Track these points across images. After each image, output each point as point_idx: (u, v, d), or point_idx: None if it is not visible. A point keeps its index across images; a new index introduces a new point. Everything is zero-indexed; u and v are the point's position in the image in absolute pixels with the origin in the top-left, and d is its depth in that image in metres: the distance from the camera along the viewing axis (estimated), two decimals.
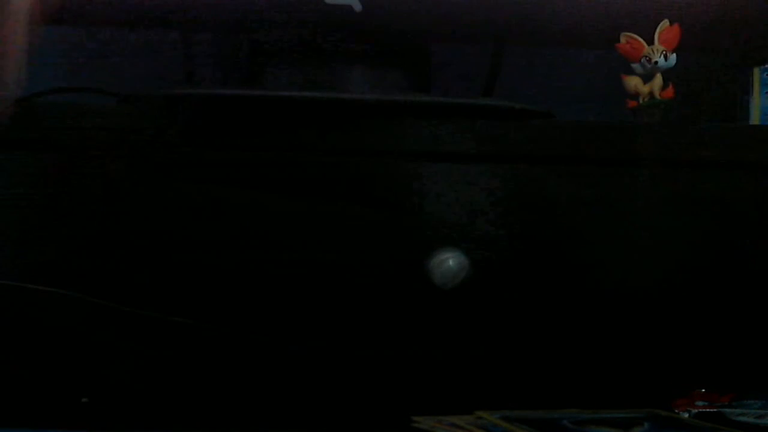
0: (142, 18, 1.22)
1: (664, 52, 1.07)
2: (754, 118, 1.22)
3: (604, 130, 1.01)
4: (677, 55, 1.08)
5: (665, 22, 1.08)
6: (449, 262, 0.96)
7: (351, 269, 0.97)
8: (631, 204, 1.01)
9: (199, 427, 0.92)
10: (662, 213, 1.01)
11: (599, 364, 0.98)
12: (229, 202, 0.96)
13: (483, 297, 0.97)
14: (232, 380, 0.93)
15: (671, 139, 1.01)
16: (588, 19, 1.21)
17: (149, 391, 0.92)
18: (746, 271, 1.01)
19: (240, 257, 0.95)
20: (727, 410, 0.91)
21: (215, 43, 1.33)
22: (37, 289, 0.91)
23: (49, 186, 0.94)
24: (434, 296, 0.96)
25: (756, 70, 1.22)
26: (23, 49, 0.33)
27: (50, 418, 0.89)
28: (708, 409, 0.92)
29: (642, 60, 1.07)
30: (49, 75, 1.13)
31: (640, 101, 1.07)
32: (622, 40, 1.09)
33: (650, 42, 1.07)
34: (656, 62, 1.06)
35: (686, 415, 0.91)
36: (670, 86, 1.07)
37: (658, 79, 1.07)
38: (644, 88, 1.07)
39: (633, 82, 1.08)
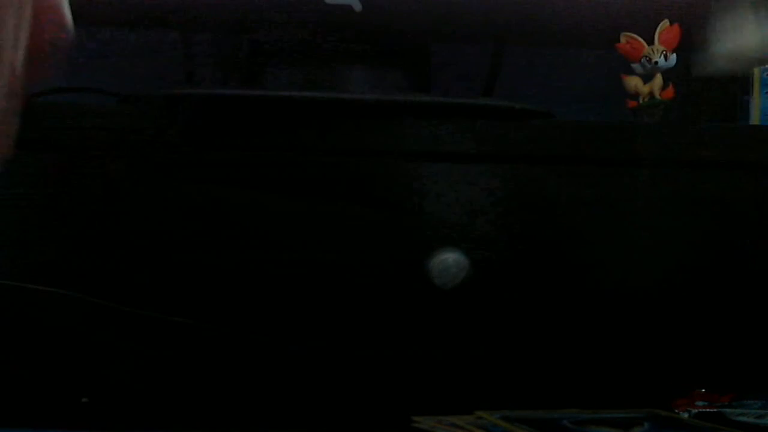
0: (142, 18, 1.22)
1: (664, 52, 1.07)
2: (754, 118, 1.22)
3: (604, 130, 1.01)
4: (677, 55, 1.08)
5: (665, 22, 1.08)
6: (449, 262, 0.96)
7: (351, 269, 0.96)
8: (631, 204, 1.00)
9: (199, 427, 0.92)
10: (662, 213, 1.01)
11: (599, 364, 0.98)
12: (229, 202, 0.96)
13: (483, 297, 0.97)
14: (232, 380, 0.93)
15: (671, 139, 1.01)
16: (588, 19, 1.21)
17: (149, 391, 0.92)
18: (746, 271, 1.01)
19: (240, 257, 0.95)
20: (727, 410, 0.91)
21: (215, 43, 1.33)
22: (37, 289, 0.91)
23: (49, 186, 0.94)
24: (434, 296, 0.96)
25: (756, 70, 1.22)
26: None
27: (50, 418, 0.89)
28: (708, 409, 0.92)
29: (642, 60, 1.07)
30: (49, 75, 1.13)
31: (640, 101, 1.07)
32: (622, 40, 1.09)
33: (650, 42, 1.07)
34: (656, 62, 1.06)
35: (686, 415, 0.91)
36: (670, 86, 1.07)
37: (658, 79, 1.07)
38: (644, 88, 1.07)
39: (633, 82, 1.08)
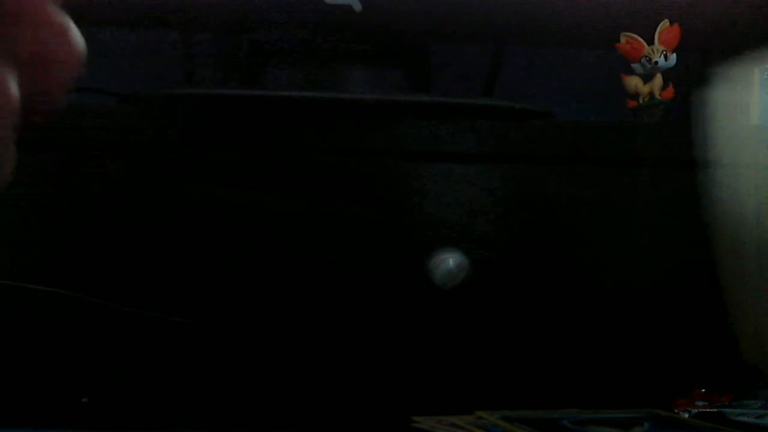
0: (142, 18, 1.22)
1: (664, 52, 1.07)
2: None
3: (604, 130, 1.01)
4: (677, 55, 1.08)
5: (665, 22, 1.08)
6: (449, 262, 0.96)
7: (351, 269, 0.96)
8: (631, 204, 1.01)
9: (199, 427, 0.92)
10: (662, 213, 1.01)
11: (599, 364, 0.98)
12: (229, 202, 0.96)
13: (483, 297, 0.97)
14: (232, 380, 0.93)
15: (671, 139, 1.01)
16: (588, 19, 1.21)
17: (149, 391, 0.92)
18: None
19: (240, 257, 0.95)
20: (727, 410, 0.91)
21: (215, 43, 1.33)
22: (37, 289, 0.91)
23: (49, 186, 0.94)
24: (434, 296, 0.96)
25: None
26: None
27: (50, 418, 0.89)
28: (708, 409, 0.92)
29: (642, 60, 1.07)
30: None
31: (640, 101, 1.07)
32: (622, 40, 1.09)
33: (650, 42, 1.07)
34: (656, 62, 1.06)
35: (686, 415, 0.91)
36: (670, 86, 1.07)
37: (658, 79, 1.07)
38: (644, 88, 1.07)
39: (633, 82, 1.08)
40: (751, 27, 1.26)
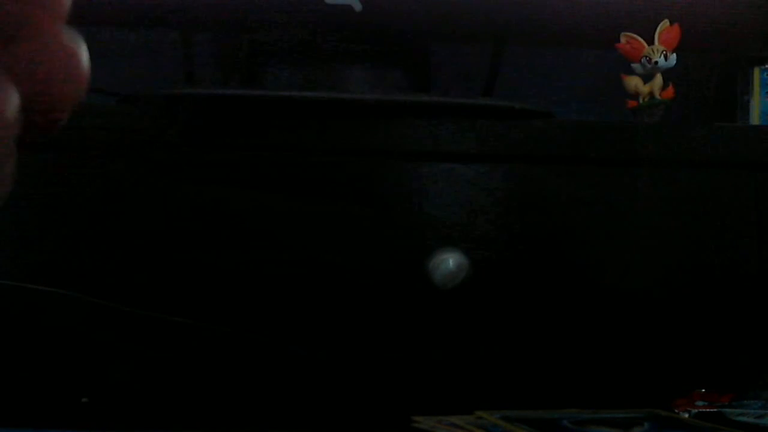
0: (142, 18, 1.22)
1: (664, 52, 1.07)
2: (754, 118, 1.22)
3: (604, 130, 1.01)
4: (677, 55, 1.08)
5: (665, 22, 1.08)
6: (449, 262, 0.96)
7: (351, 269, 0.96)
8: (631, 204, 1.01)
9: (199, 427, 0.92)
10: (662, 213, 1.01)
11: (599, 364, 0.98)
12: (229, 202, 0.96)
13: (483, 297, 0.97)
14: (232, 380, 0.93)
15: (671, 139, 1.01)
16: (588, 19, 1.21)
17: (149, 391, 0.92)
18: (746, 271, 1.01)
19: (240, 257, 0.95)
20: (727, 410, 0.91)
21: (215, 43, 1.33)
22: (37, 289, 0.91)
23: (49, 186, 0.94)
24: (434, 296, 0.96)
25: (756, 70, 1.22)
26: None
27: (50, 418, 0.89)
28: (708, 409, 0.92)
29: (642, 60, 1.07)
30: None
31: (640, 101, 1.07)
32: (622, 40, 1.09)
33: (650, 42, 1.07)
34: (656, 62, 1.06)
35: (686, 415, 0.91)
36: (670, 86, 1.07)
37: (658, 79, 1.07)
38: (644, 88, 1.07)
39: (633, 82, 1.08)
40: (751, 27, 1.26)
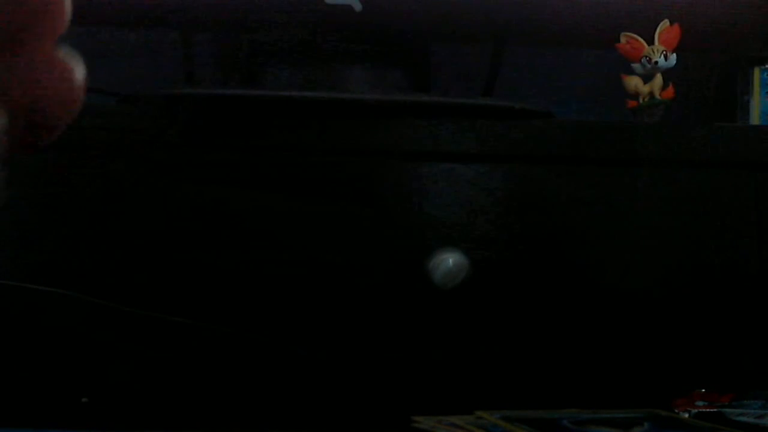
0: (142, 18, 1.22)
1: (664, 52, 1.07)
2: (754, 118, 1.22)
3: (604, 130, 1.01)
4: (677, 55, 1.08)
5: (665, 22, 1.08)
6: (449, 262, 0.96)
7: (351, 269, 0.96)
8: (631, 204, 1.01)
9: (199, 427, 0.92)
10: (662, 213, 1.01)
11: (599, 364, 0.98)
12: (229, 202, 0.96)
13: (483, 297, 0.97)
14: (232, 380, 0.93)
15: (671, 139, 1.01)
16: (588, 19, 1.21)
17: (149, 391, 0.92)
18: (746, 271, 1.01)
19: (240, 257, 0.95)
20: (727, 410, 0.91)
21: (215, 43, 1.33)
22: (37, 289, 0.91)
23: (49, 186, 0.94)
24: (434, 296, 0.96)
25: (756, 70, 1.22)
26: None
27: (50, 418, 0.89)
28: (708, 409, 0.92)
29: (642, 60, 1.07)
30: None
31: (640, 101, 1.07)
32: (622, 40, 1.09)
33: (650, 42, 1.07)
34: (656, 62, 1.06)
35: (686, 415, 0.91)
36: (670, 86, 1.07)
37: (658, 79, 1.07)
38: (644, 88, 1.07)
39: (633, 82, 1.08)
40: (751, 27, 1.26)
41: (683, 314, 1.00)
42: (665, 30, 1.08)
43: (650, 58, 1.06)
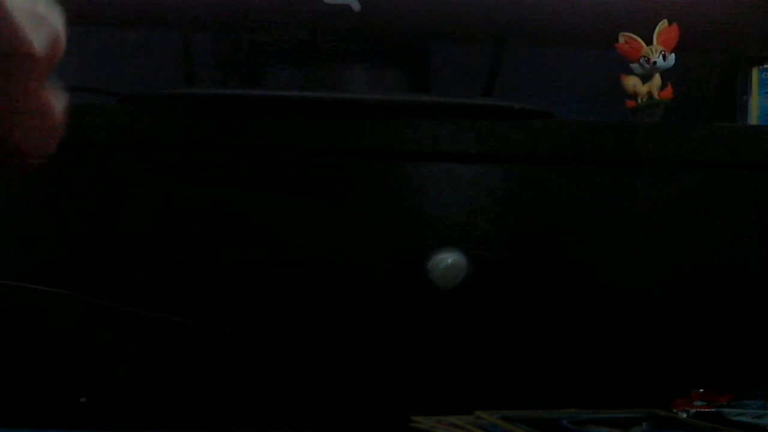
0: (142, 18, 1.22)
1: (662, 52, 1.07)
2: (754, 118, 1.22)
3: (604, 130, 1.01)
4: (676, 55, 1.08)
5: (664, 23, 1.08)
6: (448, 261, 0.96)
7: (350, 269, 0.97)
8: (631, 204, 1.01)
9: (199, 427, 0.92)
10: (662, 213, 1.01)
11: (599, 364, 0.98)
12: (229, 202, 0.96)
13: (483, 297, 0.97)
14: (232, 380, 0.94)
15: (671, 139, 1.01)
16: (588, 19, 1.21)
17: (149, 391, 0.92)
18: (746, 271, 1.01)
19: (240, 257, 0.95)
20: (726, 410, 0.91)
21: (215, 43, 1.33)
22: (37, 289, 0.91)
23: (49, 186, 0.94)
24: (434, 296, 0.96)
25: (755, 70, 1.22)
26: None
27: (50, 418, 0.89)
28: (707, 409, 0.92)
29: (641, 60, 1.07)
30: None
31: (639, 101, 1.07)
32: (621, 40, 1.09)
33: (649, 42, 1.07)
34: (655, 62, 1.06)
35: (685, 415, 0.91)
36: (669, 86, 1.07)
37: (657, 79, 1.07)
38: (643, 89, 1.07)
39: (631, 83, 1.08)
40: (751, 27, 1.26)
41: (682, 314, 1.00)
42: (664, 30, 1.08)
43: (648, 59, 1.06)
